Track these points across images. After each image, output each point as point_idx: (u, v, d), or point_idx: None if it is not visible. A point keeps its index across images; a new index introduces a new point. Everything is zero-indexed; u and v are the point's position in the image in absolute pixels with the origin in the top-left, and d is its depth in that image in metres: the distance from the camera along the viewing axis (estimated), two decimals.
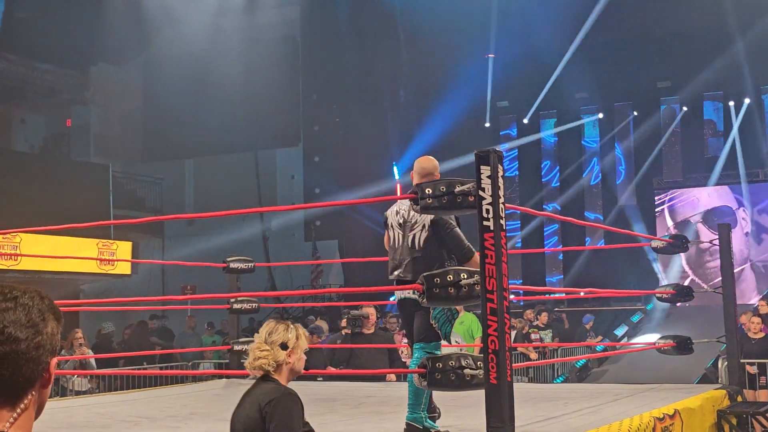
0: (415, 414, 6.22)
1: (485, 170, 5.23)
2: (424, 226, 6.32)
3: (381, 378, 10.69)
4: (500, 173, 5.25)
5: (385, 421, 7.34)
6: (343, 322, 13.71)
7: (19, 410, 1.75)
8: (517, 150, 27.07)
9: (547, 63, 24.64)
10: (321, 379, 11.42)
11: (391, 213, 6.60)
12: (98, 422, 8.05)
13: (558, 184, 26.82)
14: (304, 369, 4.65)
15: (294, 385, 4.56)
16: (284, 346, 4.47)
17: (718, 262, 23.46)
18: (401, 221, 6.45)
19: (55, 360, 1.81)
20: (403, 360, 10.65)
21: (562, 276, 26.04)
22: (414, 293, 5.92)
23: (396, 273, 6.46)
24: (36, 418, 1.81)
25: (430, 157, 6.56)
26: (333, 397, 9.00)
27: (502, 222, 5.18)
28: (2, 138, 25.46)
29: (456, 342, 12.65)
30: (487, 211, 5.16)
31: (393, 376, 11.00)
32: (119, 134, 26.36)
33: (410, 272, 6.25)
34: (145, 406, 9.13)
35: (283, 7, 25.60)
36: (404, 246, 6.40)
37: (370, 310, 10.65)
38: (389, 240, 6.60)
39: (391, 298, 7.98)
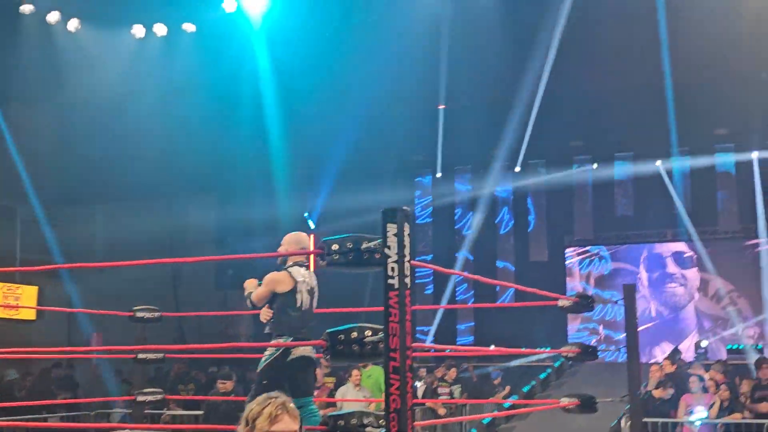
0: None
1: (391, 228, 5.22)
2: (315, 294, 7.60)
3: None
4: (406, 231, 5.24)
5: None
6: None
7: None
8: (431, 196, 27.44)
9: (461, 119, 24.90)
10: None
11: (300, 277, 7.47)
12: None
13: (470, 231, 27.05)
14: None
15: None
16: (246, 422, 3.79)
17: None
18: (309, 289, 7.41)
19: None
20: None
21: (473, 323, 26.22)
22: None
23: (303, 331, 7.32)
24: None
25: (299, 232, 7.76)
26: None
27: (407, 280, 5.17)
28: None
29: (364, 396, 12.60)
30: (392, 269, 5.15)
31: None
32: (30, 176, 25.76)
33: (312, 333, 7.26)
34: None
35: (199, 53, 25.39)
36: (311, 309, 7.33)
37: None
38: (285, 298, 7.44)
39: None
